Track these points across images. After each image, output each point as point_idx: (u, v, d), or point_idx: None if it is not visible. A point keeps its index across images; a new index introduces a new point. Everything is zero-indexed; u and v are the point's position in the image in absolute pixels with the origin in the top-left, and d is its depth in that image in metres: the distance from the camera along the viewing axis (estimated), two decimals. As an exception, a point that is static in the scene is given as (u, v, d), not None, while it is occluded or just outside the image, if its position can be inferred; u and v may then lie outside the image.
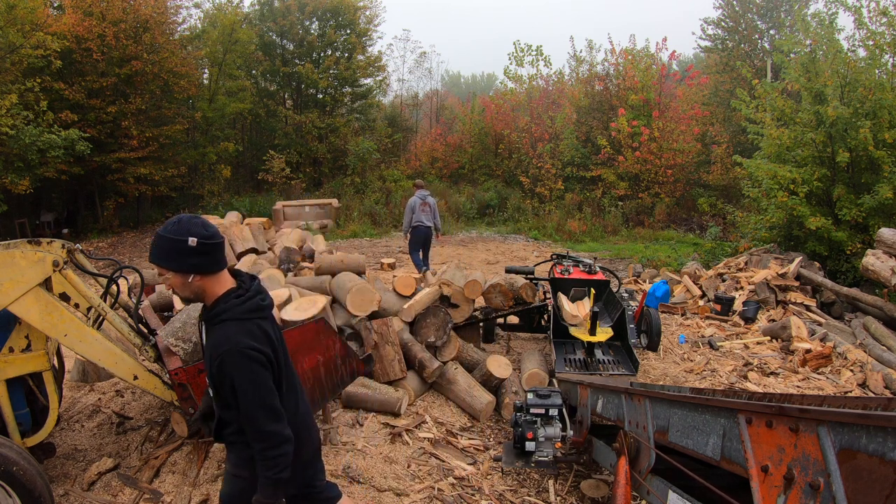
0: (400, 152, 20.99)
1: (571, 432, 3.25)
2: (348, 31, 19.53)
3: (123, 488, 3.31)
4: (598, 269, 5.83)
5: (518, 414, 3.35)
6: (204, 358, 2.00)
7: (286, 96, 20.38)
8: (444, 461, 3.73)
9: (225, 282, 1.98)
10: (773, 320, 6.71)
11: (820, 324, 6.55)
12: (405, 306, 4.69)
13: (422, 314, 4.66)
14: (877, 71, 7.99)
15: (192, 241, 1.86)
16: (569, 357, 4.82)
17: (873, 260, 6.56)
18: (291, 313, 4.01)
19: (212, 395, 2.06)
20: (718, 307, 7.33)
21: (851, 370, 5.38)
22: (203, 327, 2.04)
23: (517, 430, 3.26)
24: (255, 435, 1.88)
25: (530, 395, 3.28)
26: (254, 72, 19.03)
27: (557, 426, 3.19)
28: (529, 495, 3.34)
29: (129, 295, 4.01)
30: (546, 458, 3.19)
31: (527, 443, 3.18)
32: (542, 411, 3.20)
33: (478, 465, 3.70)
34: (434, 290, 4.84)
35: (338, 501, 2.36)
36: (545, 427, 3.19)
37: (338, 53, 19.40)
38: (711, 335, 6.53)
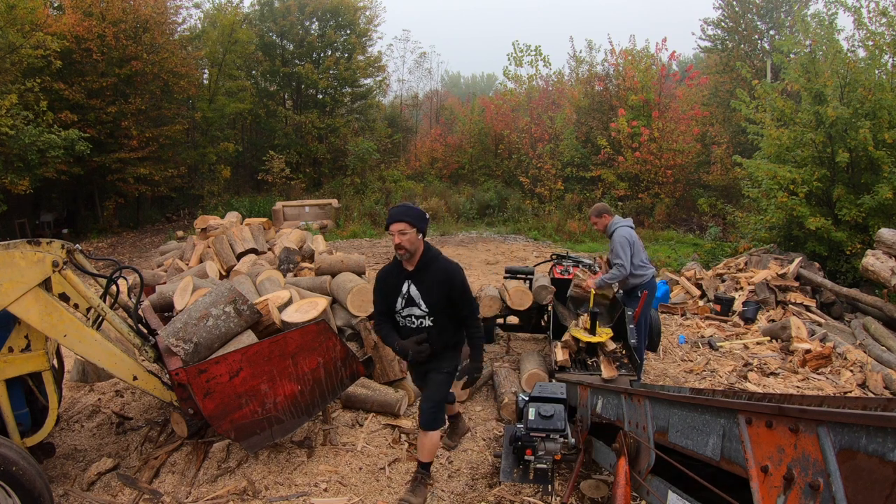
0: (400, 153, 21.00)
1: (573, 440, 3.23)
2: (348, 32, 19.54)
3: (123, 488, 3.31)
4: (597, 269, 5.82)
5: (517, 427, 3.32)
6: (430, 291, 3.07)
7: (286, 96, 20.38)
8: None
9: None
10: (773, 321, 6.71)
11: (820, 324, 6.55)
12: None
13: None
14: (876, 71, 7.98)
15: (427, 214, 3.12)
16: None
17: (873, 260, 6.57)
18: (292, 315, 4.01)
19: (431, 316, 3.11)
20: (718, 307, 7.33)
21: (851, 370, 5.38)
22: (409, 280, 3.11)
23: (516, 444, 3.23)
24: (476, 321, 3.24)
25: (532, 416, 3.21)
26: (254, 72, 19.03)
27: (558, 442, 3.15)
28: (529, 496, 3.34)
29: (128, 295, 4.02)
30: (545, 466, 3.17)
31: (525, 458, 3.16)
32: (544, 435, 3.16)
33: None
34: None
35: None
36: (545, 442, 3.16)
37: (338, 54, 19.40)
38: (711, 335, 6.53)
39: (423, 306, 3.08)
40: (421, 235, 3.03)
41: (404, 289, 3.10)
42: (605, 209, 4.99)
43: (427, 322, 3.10)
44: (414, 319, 3.12)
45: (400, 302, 3.12)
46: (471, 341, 3.20)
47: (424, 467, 3.28)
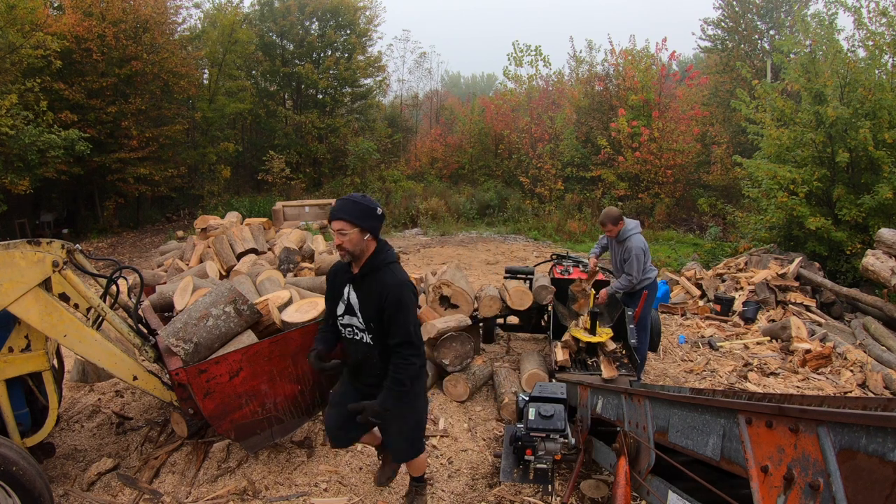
0: (400, 153, 20.99)
1: (573, 440, 3.23)
2: (348, 32, 19.53)
3: (123, 488, 3.31)
4: (598, 269, 5.82)
5: (518, 427, 3.32)
6: (367, 303, 2.56)
7: (286, 96, 20.37)
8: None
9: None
10: (773, 320, 6.71)
11: (820, 324, 6.55)
12: (434, 323, 4.58)
13: (450, 336, 4.56)
14: (876, 71, 7.98)
15: (379, 210, 2.59)
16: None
17: (873, 260, 6.56)
18: (292, 315, 4.00)
19: (370, 333, 2.61)
20: (718, 307, 7.33)
21: (851, 370, 5.38)
22: (350, 285, 2.63)
23: (516, 444, 3.23)
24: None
25: (532, 416, 3.21)
26: (254, 72, 19.02)
27: (559, 442, 3.16)
28: (529, 496, 3.34)
29: (128, 295, 4.02)
30: (545, 466, 3.17)
31: (525, 458, 3.16)
32: (544, 435, 3.16)
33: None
34: (463, 319, 4.76)
35: None
36: (545, 442, 3.17)
37: (338, 54, 19.39)
38: (711, 335, 6.53)
39: (361, 318, 2.60)
40: (368, 236, 2.55)
41: (345, 293, 2.65)
42: (620, 216, 4.80)
43: (367, 338, 2.62)
44: (354, 331, 2.66)
45: (341, 307, 2.67)
46: (390, 375, 2.52)
47: (417, 480, 3.13)
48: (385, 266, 2.57)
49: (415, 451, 2.89)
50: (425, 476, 3.15)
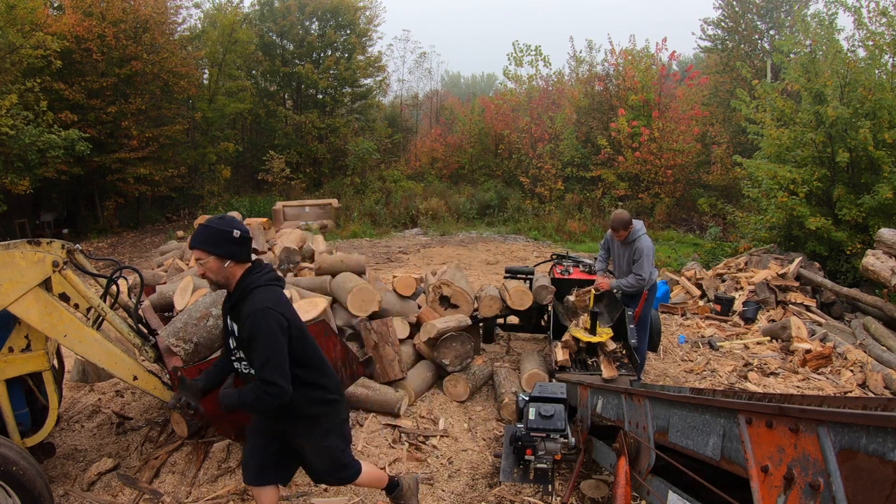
0: (400, 153, 21.00)
1: (573, 440, 3.24)
2: (348, 32, 19.53)
3: (123, 488, 3.31)
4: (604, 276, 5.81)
5: (518, 427, 3.33)
6: (240, 333, 2.35)
7: (286, 96, 20.38)
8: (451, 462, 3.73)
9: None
10: (773, 320, 6.71)
11: (820, 324, 6.55)
12: (434, 323, 4.58)
13: (450, 336, 4.56)
14: (877, 71, 7.98)
15: (236, 233, 2.33)
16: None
17: (873, 260, 6.57)
18: (291, 314, 4.01)
19: (243, 363, 2.44)
20: (718, 307, 7.33)
21: (851, 370, 5.38)
22: (229, 316, 2.42)
23: (516, 444, 3.23)
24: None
25: (532, 416, 3.20)
26: (254, 72, 19.03)
27: (559, 442, 3.16)
28: (529, 496, 3.34)
29: (128, 295, 4.02)
30: (545, 466, 3.17)
31: (525, 458, 3.16)
32: (544, 435, 3.16)
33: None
34: (463, 319, 4.76)
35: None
36: (545, 442, 3.17)
37: (338, 54, 19.40)
38: (711, 335, 6.53)
39: (241, 349, 2.41)
40: (229, 262, 2.33)
41: (228, 322, 2.45)
42: (630, 219, 4.75)
43: (252, 370, 2.38)
44: (241, 363, 2.46)
45: (231, 341, 2.46)
46: (250, 388, 2.32)
47: (389, 490, 2.94)
48: (250, 291, 2.34)
49: (348, 472, 2.68)
50: (395, 480, 2.96)
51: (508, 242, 13.36)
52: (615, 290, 4.93)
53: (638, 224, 4.84)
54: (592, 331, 4.52)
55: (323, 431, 2.56)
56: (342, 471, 2.67)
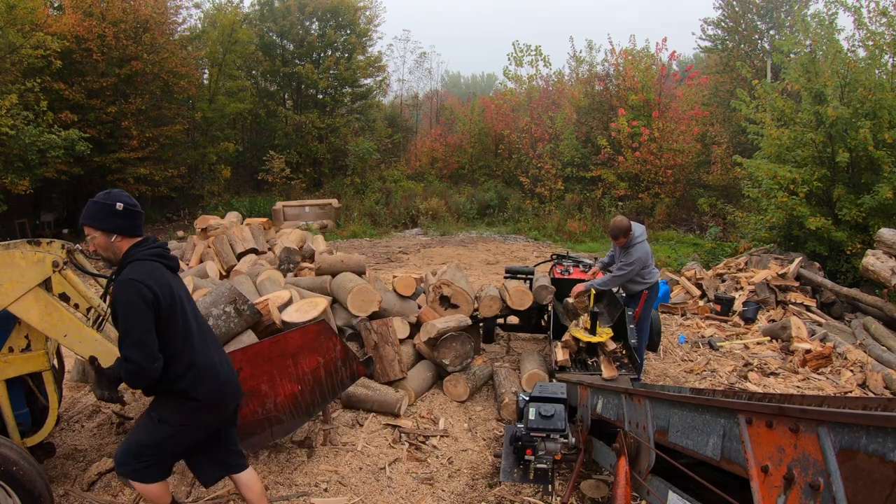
0: (400, 153, 21.00)
1: (573, 439, 3.23)
2: (348, 32, 19.53)
3: (123, 488, 3.31)
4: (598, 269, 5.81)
5: (518, 427, 3.32)
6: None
7: (286, 96, 20.37)
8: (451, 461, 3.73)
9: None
10: (773, 320, 6.71)
11: (820, 324, 6.55)
12: (434, 323, 4.58)
13: (450, 336, 4.56)
14: (877, 71, 7.98)
15: (119, 205, 2.28)
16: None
17: (873, 260, 6.57)
18: (292, 315, 4.01)
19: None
20: (718, 307, 7.33)
21: (851, 370, 5.38)
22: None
23: (516, 444, 3.23)
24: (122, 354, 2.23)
25: (532, 416, 3.20)
26: (254, 72, 19.03)
27: (559, 442, 3.15)
28: (529, 496, 3.35)
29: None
30: (545, 466, 3.17)
31: (525, 458, 3.16)
32: (544, 435, 3.16)
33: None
34: (463, 319, 4.76)
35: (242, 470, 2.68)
36: (545, 442, 3.16)
37: (338, 54, 19.40)
38: (711, 335, 6.53)
39: None
40: (116, 236, 2.30)
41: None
42: (630, 226, 4.72)
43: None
44: None
45: None
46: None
47: None
48: (127, 265, 2.29)
49: (128, 468, 2.45)
50: None
51: (508, 242, 13.36)
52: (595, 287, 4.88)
53: (638, 230, 4.81)
54: (592, 331, 4.52)
55: (157, 416, 2.41)
56: (129, 462, 2.44)
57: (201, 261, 7.00)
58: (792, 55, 9.59)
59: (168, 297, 2.28)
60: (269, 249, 7.38)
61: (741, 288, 7.61)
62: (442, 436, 4.00)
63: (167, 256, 2.39)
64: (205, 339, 2.47)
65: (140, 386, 2.26)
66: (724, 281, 8.05)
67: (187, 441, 2.50)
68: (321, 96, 19.64)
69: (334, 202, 15.25)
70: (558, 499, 3.29)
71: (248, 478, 2.69)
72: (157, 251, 2.36)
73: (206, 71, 17.20)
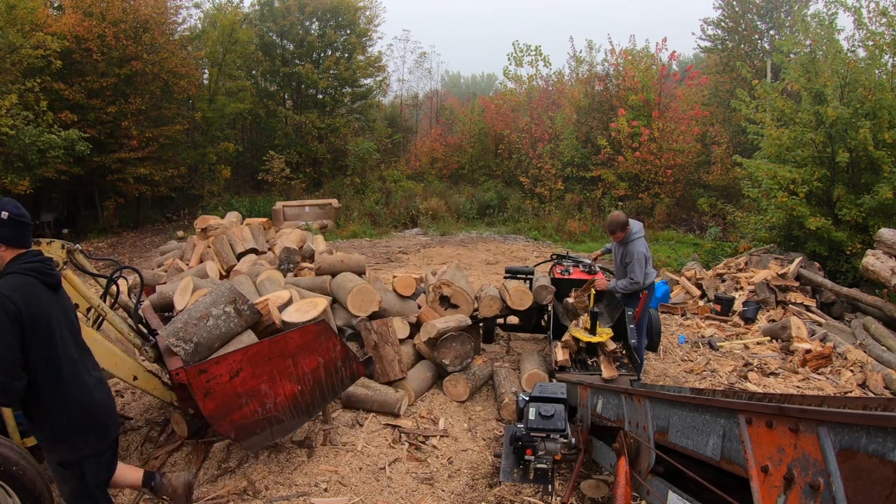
0: (400, 153, 20.99)
1: (573, 440, 3.23)
2: (348, 32, 19.53)
3: (123, 488, 3.31)
4: (597, 269, 5.82)
5: (518, 427, 3.32)
6: None
7: (286, 96, 20.37)
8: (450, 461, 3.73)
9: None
10: (773, 320, 6.71)
11: (820, 324, 6.55)
12: (434, 323, 4.58)
13: (450, 336, 4.57)
14: (877, 71, 7.98)
15: (4, 214, 2.23)
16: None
17: (873, 260, 6.57)
18: (292, 315, 4.01)
19: None
20: (718, 307, 7.33)
21: (851, 370, 5.38)
22: None
23: (516, 444, 3.23)
24: None
25: (532, 416, 3.19)
26: (254, 72, 19.02)
27: (559, 442, 3.15)
28: (529, 496, 3.35)
29: (128, 295, 4.02)
30: (545, 466, 3.17)
31: (525, 458, 3.16)
32: (544, 435, 3.16)
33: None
34: (463, 319, 4.77)
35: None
36: (545, 442, 3.16)
37: (338, 54, 19.39)
38: (711, 335, 6.53)
39: None
40: (1, 245, 2.24)
41: None
42: (626, 221, 4.75)
43: None
44: None
45: None
46: None
47: None
48: (3, 277, 2.22)
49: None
50: None
51: (508, 242, 13.36)
52: (614, 291, 4.94)
53: (636, 226, 4.83)
54: (592, 331, 4.52)
55: (56, 462, 2.42)
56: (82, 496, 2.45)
57: (201, 261, 7.00)
58: (792, 55, 9.59)
59: (32, 317, 2.18)
60: (269, 249, 7.38)
61: (741, 288, 7.61)
62: (442, 436, 4.00)
63: (46, 272, 2.30)
64: (75, 362, 2.37)
65: (2, 403, 2.21)
66: (724, 281, 8.05)
67: (103, 462, 2.53)
68: (321, 96, 19.64)
69: (334, 202, 15.25)
70: (558, 499, 3.29)
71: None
72: (34, 266, 2.26)
73: (206, 71, 17.19)
